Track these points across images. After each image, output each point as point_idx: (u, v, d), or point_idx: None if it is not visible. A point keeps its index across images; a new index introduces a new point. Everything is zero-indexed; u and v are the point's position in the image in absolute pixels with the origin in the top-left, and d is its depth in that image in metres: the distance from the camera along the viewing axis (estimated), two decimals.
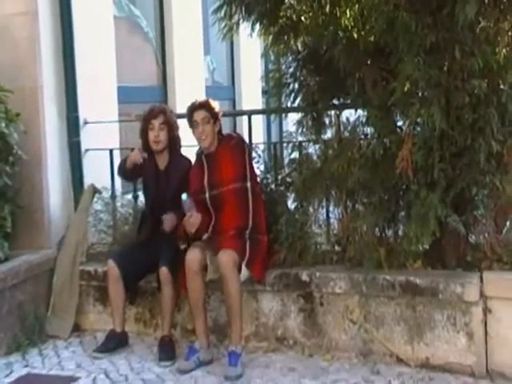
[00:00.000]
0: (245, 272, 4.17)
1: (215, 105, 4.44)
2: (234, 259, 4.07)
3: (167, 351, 4.34)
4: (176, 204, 4.31)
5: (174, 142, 4.63)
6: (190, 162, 4.64)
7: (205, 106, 4.38)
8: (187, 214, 4.21)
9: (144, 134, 4.61)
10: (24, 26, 4.88)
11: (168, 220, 4.45)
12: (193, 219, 4.20)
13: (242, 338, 4.20)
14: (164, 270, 4.32)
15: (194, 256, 4.17)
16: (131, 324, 4.73)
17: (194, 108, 4.38)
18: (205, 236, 4.28)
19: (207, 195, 4.35)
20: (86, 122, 5.28)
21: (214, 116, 4.37)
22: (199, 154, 4.49)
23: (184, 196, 4.20)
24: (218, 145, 4.40)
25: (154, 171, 4.63)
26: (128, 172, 4.64)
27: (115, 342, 4.48)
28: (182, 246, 4.31)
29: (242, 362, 4.08)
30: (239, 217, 4.27)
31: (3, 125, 4.57)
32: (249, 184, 4.32)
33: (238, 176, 4.32)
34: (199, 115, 4.34)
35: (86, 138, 5.26)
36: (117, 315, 4.47)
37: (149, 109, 4.65)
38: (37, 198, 4.92)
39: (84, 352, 4.52)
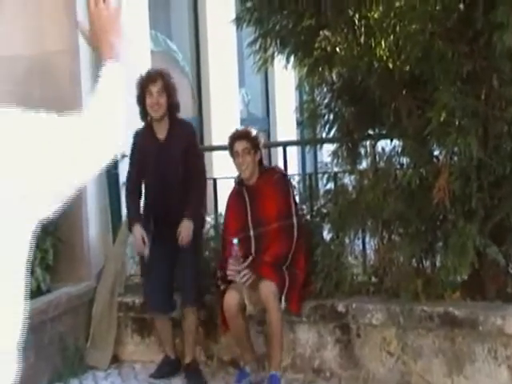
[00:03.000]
0: (283, 303, 4.16)
1: (256, 135, 4.44)
2: (274, 290, 4.08)
3: (197, 378, 4.35)
4: (184, 182, 4.20)
5: (173, 108, 4.36)
6: (191, 126, 4.50)
7: (246, 136, 4.37)
8: (234, 259, 4.13)
9: (141, 100, 4.29)
10: (65, 64, 4.96)
11: (184, 231, 4.24)
12: (245, 277, 4.11)
13: (281, 366, 4.20)
14: (189, 311, 4.33)
15: (231, 300, 4.15)
16: None
17: (235, 138, 4.38)
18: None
19: (251, 233, 4.31)
20: (123, 155, 5.34)
21: (254, 147, 4.34)
22: (239, 184, 4.45)
23: (235, 240, 4.12)
24: (259, 177, 4.37)
25: (152, 144, 4.34)
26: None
27: (168, 369, 4.48)
28: (222, 287, 4.25)
29: None
30: (281, 250, 4.23)
31: None
32: (295, 220, 4.28)
33: (282, 214, 4.27)
34: (240, 145, 4.32)
35: (124, 171, 5.32)
36: (166, 343, 4.48)
37: (145, 73, 4.37)
38: (77, 231, 4.96)
39: (123, 383, 4.54)
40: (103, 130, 1.56)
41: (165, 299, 4.41)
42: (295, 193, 4.74)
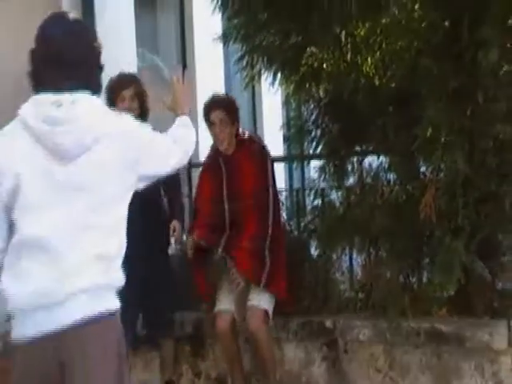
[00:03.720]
0: (262, 285, 4.02)
1: (234, 103, 4.17)
2: (262, 318, 4.02)
3: None
4: (161, 197, 4.10)
5: (144, 115, 4.14)
6: None
7: (223, 105, 4.07)
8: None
9: (112, 105, 4.05)
10: None
11: (177, 229, 4.14)
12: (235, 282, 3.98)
13: (278, 380, 4.18)
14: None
15: (223, 322, 4.08)
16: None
17: (211, 106, 4.09)
18: (219, 251, 4.04)
19: (226, 207, 4.08)
20: None
21: (232, 117, 4.06)
22: (215, 151, 4.19)
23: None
24: (236, 148, 4.12)
25: None
26: None
27: None
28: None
29: None
30: (256, 231, 4.01)
31: None
32: (271, 194, 4.08)
33: (259, 188, 4.05)
34: (216, 116, 4.03)
35: None
36: None
37: (117, 77, 4.15)
38: None
39: None
40: (179, 146, 2.56)
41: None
42: (273, 167, 4.38)
